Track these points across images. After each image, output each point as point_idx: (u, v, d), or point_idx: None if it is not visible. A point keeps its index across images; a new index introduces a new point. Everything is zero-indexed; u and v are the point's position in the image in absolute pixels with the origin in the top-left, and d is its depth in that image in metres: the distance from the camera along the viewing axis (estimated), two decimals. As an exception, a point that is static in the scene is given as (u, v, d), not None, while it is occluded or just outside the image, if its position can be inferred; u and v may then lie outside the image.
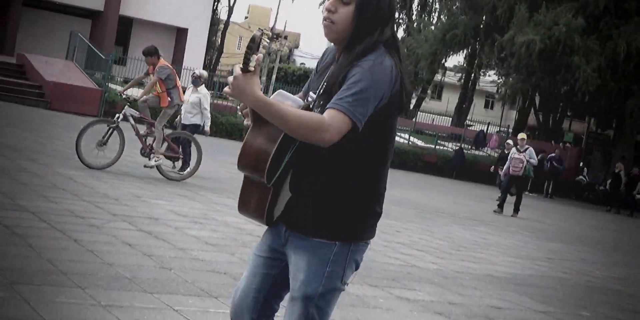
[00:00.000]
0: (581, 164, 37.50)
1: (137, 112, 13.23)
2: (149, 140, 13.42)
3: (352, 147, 2.89)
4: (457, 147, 35.89)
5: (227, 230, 9.21)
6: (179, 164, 14.34)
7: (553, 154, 33.16)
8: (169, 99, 13.32)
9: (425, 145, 35.47)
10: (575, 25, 33.74)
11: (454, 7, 45.86)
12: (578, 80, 33.69)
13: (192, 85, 15.09)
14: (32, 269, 5.78)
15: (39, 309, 4.82)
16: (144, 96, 13.43)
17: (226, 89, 2.70)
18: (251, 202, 3.01)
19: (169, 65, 13.64)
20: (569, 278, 10.43)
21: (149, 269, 6.46)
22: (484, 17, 41.99)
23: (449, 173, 34.05)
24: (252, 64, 2.67)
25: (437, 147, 36.32)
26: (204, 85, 15.19)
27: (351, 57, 2.89)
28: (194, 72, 15.23)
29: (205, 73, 15.51)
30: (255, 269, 3.15)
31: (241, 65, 2.66)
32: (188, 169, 14.02)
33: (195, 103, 14.71)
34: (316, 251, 2.97)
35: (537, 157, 33.54)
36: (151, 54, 13.41)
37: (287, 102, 2.92)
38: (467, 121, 48.30)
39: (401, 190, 21.26)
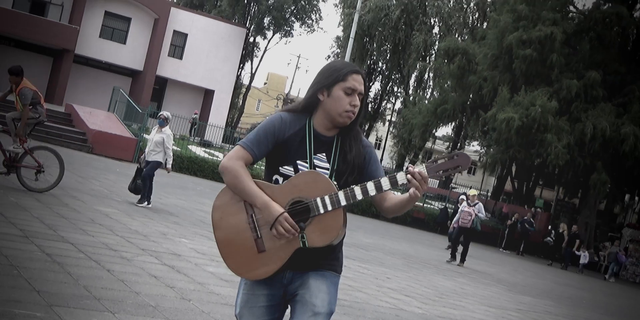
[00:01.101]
0: (549, 227, 37.26)
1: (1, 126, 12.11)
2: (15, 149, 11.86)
3: None
4: (442, 206, 35.75)
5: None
6: (42, 176, 12.10)
7: (525, 217, 33.04)
8: (35, 111, 12.01)
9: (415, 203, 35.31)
10: (550, 107, 33.89)
11: (445, 85, 46.19)
12: (550, 154, 33.73)
13: (158, 125, 14.25)
14: (68, 293, 5.73)
15: (74, 329, 4.78)
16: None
17: (419, 191, 2.93)
18: (270, 263, 3.06)
19: (32, 87, 12.06)
20: (536, 328, 10.31)
21: (170, 299, 6.40)
22: (470, 95, 42.25)
23: (435, 228, 33.85)
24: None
25: (425, 205, 36.18)
26: (168, 126, 14.27)
27: (356, 138, 3.20)
28: (161, 114, 14.39)
29: (169, 115, 14.64)
30: (260, 318, 3.17)
31: (433, 173, 2.90)
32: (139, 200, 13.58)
33: (159, 142, 13.89)
34: (331, 278, 3.18)
35: (512, 219, 33.70)
36: (17, 73, 11.89)
37: None
38: (452, 184, 48.24)
39: (393, 242, 21.15)
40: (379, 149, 79.64)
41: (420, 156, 54.38)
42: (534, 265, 28.07)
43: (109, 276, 6.72)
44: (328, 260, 3.16)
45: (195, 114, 43.66)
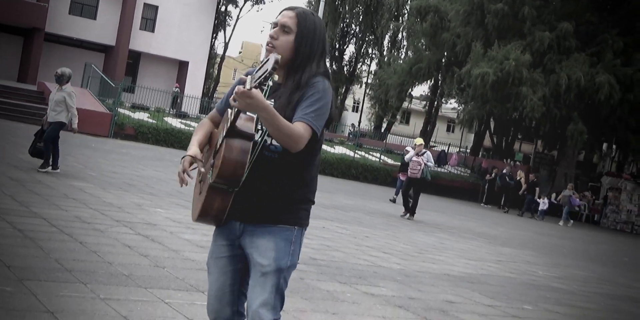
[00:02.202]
0: (531, 178, 37.44)
1: None
2: None
3: (300, 156, 3.04)
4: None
5: (216, 234, 9.10)
6: None
7: (504, 171, 33.18)
8: None
9: (394, 163, 35.30)
10: (523, 60, 33.88)
11: (419, 44, 46.08)
12: (526, 107, 33.82)
13: (57, 84, 13.24)
14: (39, 267, 5.70)
15: (44, 301, 4.76)
16: None
17: (235, 103, 2.75)
18: (213, 208, 3.01)
19: None
20: (515, 277, 10.39)
21: (144, 267, 6.39)
22: (445, 53, 42.20)
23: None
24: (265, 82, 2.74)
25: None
26: (69, 84, 13.23)
27: (296, 83, 3.06)
28: (57, 71, 13.27)
29: (67, 70, 13.37)
30: (222, 269, 3.21)
31: (255, 83, 2.70)
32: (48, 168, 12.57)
33: (59, 101, 12.93)
34: (281, 234, 3.11)
35: (492, 173, 33.77)
36: None
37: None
38: (431, 142, 48.35)
39: (373, 202, 21.21)
40: (356, 111, 79.55)
41: (398, 117, 54.48)
42: (514, 218, 28.29)
43: (81, 248, 6.69)
44: (278, 212, 3.11)
45: (177, 87, 43.32)
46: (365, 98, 59.32)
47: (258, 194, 3.05)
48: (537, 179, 32.32)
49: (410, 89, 46.10)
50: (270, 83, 3.13)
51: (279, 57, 2.69)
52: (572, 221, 29.90)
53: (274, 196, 3.07)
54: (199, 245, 7.99)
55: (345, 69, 60.84)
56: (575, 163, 40.15)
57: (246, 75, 3.10)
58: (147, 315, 4.93)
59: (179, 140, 29.14)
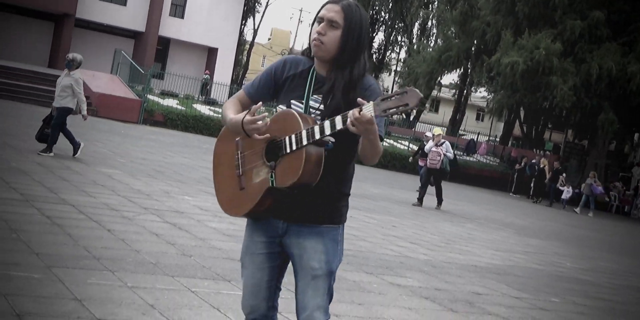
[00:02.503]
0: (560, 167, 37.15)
1: None
2: None
3: (348, 153, 3.03)
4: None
5: (243, 222, 9.05)
6: None
7: (534, 161, 32.92)
8: None
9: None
10: (554, 49, 33.51)
11: (449, 32, 45.76)
12: (556, 97, 33.51)
13: (66, 68, 13.06)
14: (68, 254, 5.74)
15: (72, 288, 4.80)
16: None
17: (353, 127, 2.67)
18: (264, 207, 3.01)
19: None
20: (542, 269, 10.32)
21: (171, 256, 6.42)
22: (474, 41, 41.89)
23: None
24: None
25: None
26: (78, 69, 13.11)
27: (347, 81, 2.98)
28: (68, 56, 13.20)
29: (79, 56, 13.27)
30: (260, 265, 3.16)
31: (386, 114, 2.64)
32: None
33: (66, 86, 12.74)
34: (329, 235, 3.09)
35: (521, 163, 33.55)
36: None
37: None
38: (460, 131, 48.12)
39: (400, 190, 21.17)
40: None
41: (427, 105, 54.28)
42: (543, 208, 28.10)
43: (109, 236, 6.73)
44: (324, 212, 3.07)
45: (207, 74, 43.40)
46: (394, 86, 59.09)
47: (305, 192, 2.96)
48: (560, 166, 31.97)
49: (439, 77, 45.83)
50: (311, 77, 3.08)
51: (422, 96, 2.59)
52: (591, 212, 29.32)
53: (321, 194, 3.01)
54: (225, 234, 8.01)
55: (374, 56, 60.58)
56: (606, 153, 39.78)
57: (282, 65, 3.13)
58: (173, 303, 4.95)
59: (207, 127, 29.26)
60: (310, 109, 3.03)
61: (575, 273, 10.56)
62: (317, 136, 2.78)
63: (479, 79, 47.31)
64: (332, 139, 2.89)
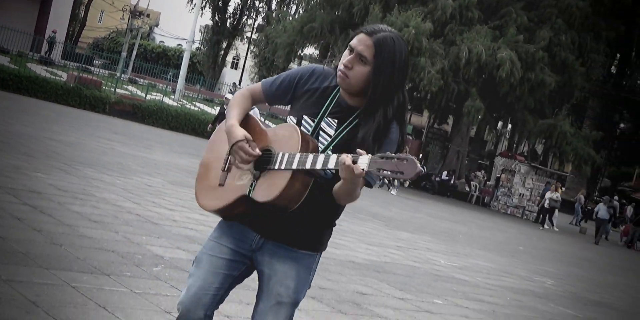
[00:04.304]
0: (420, 155, 38.44)
1: None
2: None
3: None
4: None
5: (107, 207, 9.04)
6: None
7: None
8: None
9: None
10: (424, 28, 34.38)
11: (313, 2, 46.06)
12: (423, 80, 34.34)
13: None
14: None
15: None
16: None
17: (343, 175, 2.72)
18: (234, 211, 3.06)
19: None
20: (419, 266, 10.77)
21: (40, 245, 6.31)
22: (339, 13, 42.34)
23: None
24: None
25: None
26: None
27: (377, 123, 2.97)
28: None
29: None
30: (216, 269, 3.16)
31: (378, 174, 2.64)
32: None
33: None
34: (303, 261, 3.16)
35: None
36: None
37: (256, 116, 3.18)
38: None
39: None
40: (235, 68, 79.02)
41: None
42: (406, 197, 29.03)
43: (-33, 221, 6.54)
44: (305, 237, 3.14)
45: (54, 32, 41.77)
46: (249, 55, 59.09)
47: (291, 214, 3.00)
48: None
49: (300, 50, 46.18)
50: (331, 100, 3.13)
51: (421, 170, 2.60)
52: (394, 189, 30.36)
53: (306, 219, 3.06)
54: (92, 220, 7.92)
55: (228, 21, 60.34)
56: (469, 140, 41.35)
57: (310, 74, 3.20)
58: (56, 300, 4.90)
59: (43, 89, 28.30)
60: (320, 131, 3.07)
61: (451, 271, 11.08)
62: (307, 166, 2.82)
63: (340, 54, 47.90)
64: (333, 170, 2.86)
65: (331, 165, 2.75)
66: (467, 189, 37.62)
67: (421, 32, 34.26)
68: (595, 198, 47.68)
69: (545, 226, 30.03)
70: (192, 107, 35.85)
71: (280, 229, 3.10)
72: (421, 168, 2.61)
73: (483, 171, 39.83)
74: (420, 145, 40.28)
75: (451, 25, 36.29)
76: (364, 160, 2.64)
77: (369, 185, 2.98)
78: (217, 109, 35.74)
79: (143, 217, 8.96)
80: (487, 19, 37.38)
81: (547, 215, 30.12)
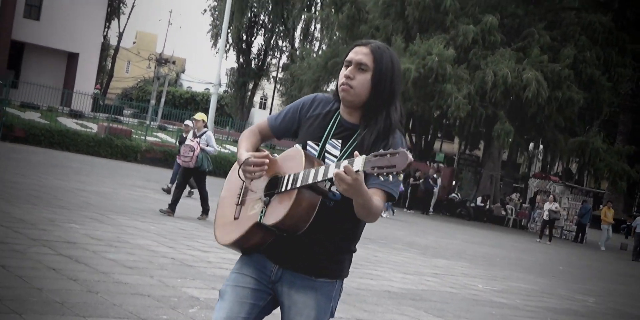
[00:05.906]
0: (454, 182, 38.37)
1: None
2: None
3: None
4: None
5: (141, 252, 9.20)
6: None
7: (429, 175, 33.88)
8: None
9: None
10: (447, 55, 34.42)
11: (335, 37, 46.42)
12: (450, 106, 34.32)
13: None
14: (-32, 296, 5.72)
15: (-17, 336, 4.81)
16: None
17: (341, 189, 2.73)
18: (250, 242, 3.11)
19: None
20: (456, 292, 10.78)
21: (76, 293, 6.46)
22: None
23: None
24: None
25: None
26: None
27: (379, 130, 3.08)
28: None
29: None
30: (242, 299, 3.17)
31: (373, 172, 2.65)
32: None
33: None
34: (322, 290, 3.19)
35: (416, 176, 34.43)
36: None
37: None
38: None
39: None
40: (264, 108, 79.48)
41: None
42: (442, 224, 28.96)
43: (5, 273, 6.70)
44: (322, 264, 3.17)
45: (97, 88, 42.47)
46: (276, 94, 59.51)
47: (305, 241, 3.06)
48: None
49: (326, 85, 46.44)
50: (334, 121, 3.20)
51: (412, 160, 2.62)
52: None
53: (321, 245, 3.11)
54: (126, 266, 8.08)
55: (253, 62, 60.90)
56: (501, 164, 41.19)
57: (311, 102, 3.28)
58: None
59: (74, 142, 28.75)
60: (326, 153, 3.15)
61: (489, 295, 11.08)
62: (310, 181, 2.87)
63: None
64: (338, 191, 2.89)
65: (331, 174, 2.77)
66: (503, 212, 37.39)
67: (445, 59, 34.32)
68: (634, 213, 47.14)
69: (538, 239, 29.21)
70: (223, 150, 36.14)
71: (296, 257, 3.14)
72: (412, 158, 2.61)
73: (518, 194, 39.57)
74: (452, 172, 40.18)
75: (474, 50, 36.32)
76: (358, 161, 2.69)
77: (392, 197, 3.02)
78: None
79: (177, 260, 9.10)
80: (510, 41, 37.40)
81: (548, 227, 29.42)
